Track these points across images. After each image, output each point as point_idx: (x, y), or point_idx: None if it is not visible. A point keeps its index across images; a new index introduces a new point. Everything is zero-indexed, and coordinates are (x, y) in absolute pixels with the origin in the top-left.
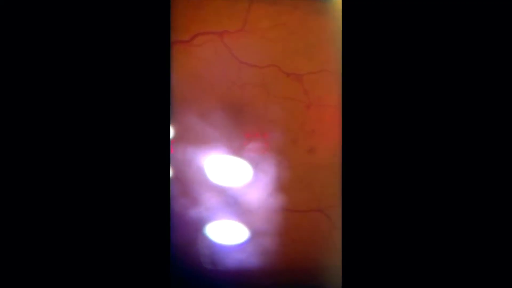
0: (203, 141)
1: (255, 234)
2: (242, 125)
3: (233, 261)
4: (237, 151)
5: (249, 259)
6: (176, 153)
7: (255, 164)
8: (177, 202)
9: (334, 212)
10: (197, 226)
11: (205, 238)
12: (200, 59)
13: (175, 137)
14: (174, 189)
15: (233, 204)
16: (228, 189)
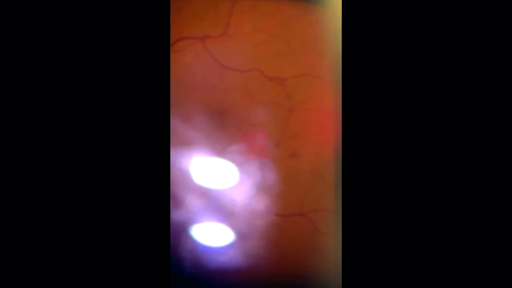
0: (185, 144)
1: (239, 236)
2: (224, 129)
3: (216, 263)
4: (220, 154)
5: (232, 262)
6: None
7: (239, 167)
8: None
9: (316, 216)
10: (180, 228)
11: (188, 240)
12: (181, 64)
13: None
14: None
15: (231, 208)
16: (211, 191)
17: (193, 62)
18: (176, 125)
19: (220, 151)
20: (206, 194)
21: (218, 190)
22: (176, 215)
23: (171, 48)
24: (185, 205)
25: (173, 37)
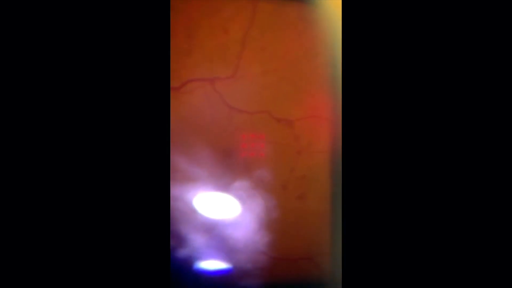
0: (190, 180)
1: (240, 274)
2: (231, 170)
3: None
4: (225, 189)
5: None
6: None
7: (243, 202)
8: None
9: (323, 260)
10: (183, 266)
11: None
12: (190, 105)
13: None
14: None
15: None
16: (215, 226)
17: (202, 104)
18: (183, 165)
19: (226, 188)
20: (209, 231)
21: (222, 226)
22: (178, 250)
23: (181, 90)
24: (187, 241)
25: (183, 78)
